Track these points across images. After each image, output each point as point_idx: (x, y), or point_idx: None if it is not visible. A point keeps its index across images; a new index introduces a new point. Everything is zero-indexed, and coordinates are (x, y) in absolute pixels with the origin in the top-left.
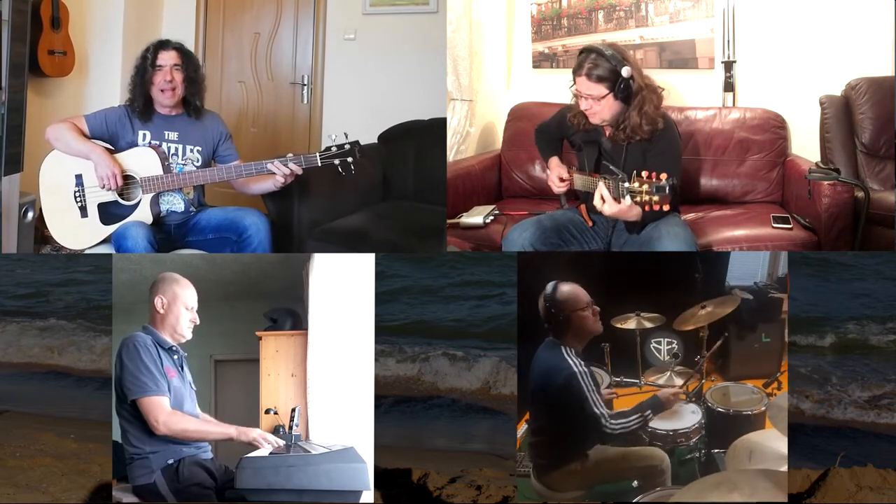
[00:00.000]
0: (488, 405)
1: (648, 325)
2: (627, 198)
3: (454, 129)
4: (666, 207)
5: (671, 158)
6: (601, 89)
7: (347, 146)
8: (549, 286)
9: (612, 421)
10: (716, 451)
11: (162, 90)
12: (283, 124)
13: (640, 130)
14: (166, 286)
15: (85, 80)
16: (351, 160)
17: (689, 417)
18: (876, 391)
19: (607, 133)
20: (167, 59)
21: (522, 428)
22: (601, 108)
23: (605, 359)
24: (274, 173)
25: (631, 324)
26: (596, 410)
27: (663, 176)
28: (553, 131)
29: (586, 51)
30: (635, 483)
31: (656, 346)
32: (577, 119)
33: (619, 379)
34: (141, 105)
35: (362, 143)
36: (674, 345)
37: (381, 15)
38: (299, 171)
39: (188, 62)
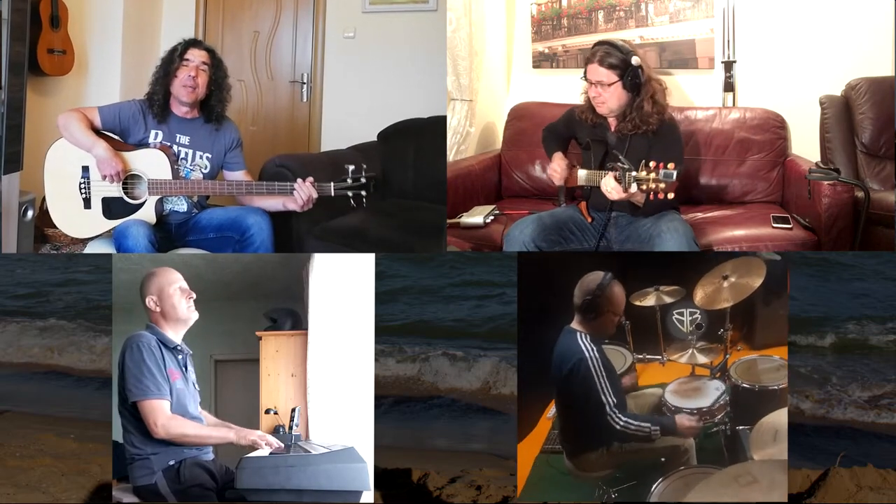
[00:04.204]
0: (488, 405)
1: (668, 299)
2: (634, 185)
3: (454, 129)
4: (671, 195)
5: (675, 150)
6: (611, 76)
7: (363, 179)
8: (603, 276)
9: (620, 415)
10: (741, 427)
11: (184, 85)
12: (282, 123)
13: (650, 119)
14: (149, 283)
15: (84, 78)
16: (364, 194)
17: (712, 394)
18: (876, 391)
19: (612, 127)
20: (196, 56)
21: (552, 410)
22: (609, 95)
23: (627, 336)
24: (290, 194)
25: (651, 300)
26: (602, 398)
27: (671, 164)
28: (561, 130)
29: (599, 43)
30: (663, 459)
31: (679, 317)
32: (586, 114)
33: (641, 356)
34: (161, 99)
35: (361, 140)
36: (696, 315)
37: (381, 13)
38: (315, 197)
39: (217, 66)
